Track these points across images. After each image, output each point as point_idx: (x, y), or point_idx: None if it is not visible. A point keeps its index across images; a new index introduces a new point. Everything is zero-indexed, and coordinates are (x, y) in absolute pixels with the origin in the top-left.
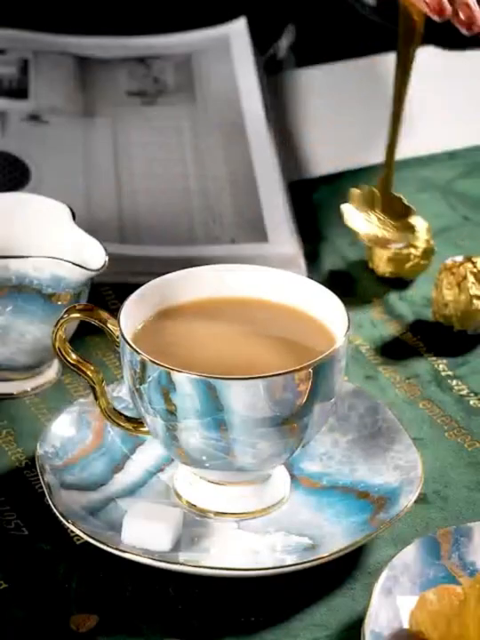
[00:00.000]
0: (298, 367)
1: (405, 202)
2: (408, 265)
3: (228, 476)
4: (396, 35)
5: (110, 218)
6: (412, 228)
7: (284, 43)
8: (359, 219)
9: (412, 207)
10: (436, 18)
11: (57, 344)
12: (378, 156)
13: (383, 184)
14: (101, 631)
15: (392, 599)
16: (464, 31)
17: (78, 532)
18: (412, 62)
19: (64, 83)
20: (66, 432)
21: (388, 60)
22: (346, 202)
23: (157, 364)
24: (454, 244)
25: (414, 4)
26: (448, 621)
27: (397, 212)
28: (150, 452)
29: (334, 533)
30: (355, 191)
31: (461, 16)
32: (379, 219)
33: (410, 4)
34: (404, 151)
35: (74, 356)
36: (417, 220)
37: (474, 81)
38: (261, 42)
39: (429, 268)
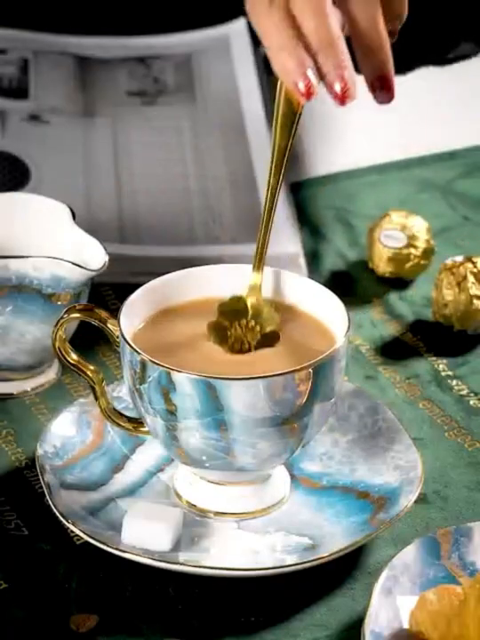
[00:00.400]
0: (298, 367)
1: (272, 311)
2: (408, 265)
3: (228, 476)
4: None
5: (110, 218)
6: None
7: None
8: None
9: (276, 317)
10: (303, 100)
11: (57, 344)
12: (378, 156)
13: (254, 291)
14: (101, 631)
15: (392, 599)
16: (337, 103)
17: (78, 532)
18: (288, 153)
19: (64, 83)
20: (66, 432)
21: None
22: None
23: (157, 364)
24: (454, 244)
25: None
26: (448, 621)
27: (265, 320)
28: (150, 452)
29: (334, 533)
30: (223, 303)
31: (336, 89)
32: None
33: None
34: (404, 151)
35: (74, 355)
36: (417, 220)
37: (474, 81)
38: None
39: (429, 268)
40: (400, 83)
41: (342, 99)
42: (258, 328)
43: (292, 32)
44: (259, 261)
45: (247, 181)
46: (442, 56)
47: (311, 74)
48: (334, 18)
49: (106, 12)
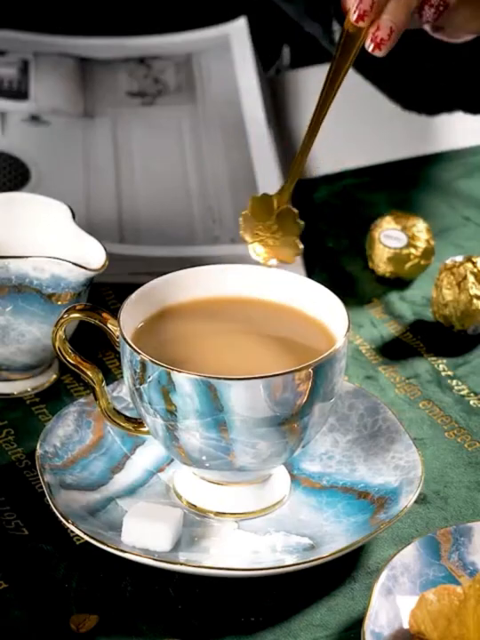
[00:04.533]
0: (298, 367)
1: (296, 219)
2: (408, 265)
3: (228, 476)
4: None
5: (110, 218)
6: (295, 248)
7: (284, 62)
8: (250, 229)
9: (300, 224)
10: (354, 19)
11: (57, 344)
12: (378, 156)
13: (283, 195)
14: (101, 631)
15: (392, 599)
16: (371, 47)
17: (78, 532)
18: (343, 76)
19: (64, 83)
20: (66, 432)
21: None
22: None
23: (157, 364)
24: (454, 244)
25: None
26: (448, 621)
27: (287, 227)
28: (150, 452)
29: (334, 533)
30: (254, 197)
31: (377, 35)
32: (269, 232)
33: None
34: (404, 151)
35: (74, 355)
36: (417, 221)
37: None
38: (261, 42)
39: (429, 268)
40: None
41: (376, 45)
42: (279, 234)
43: None
44: (298, 166)
45: (247, 181)
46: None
47: (374, 6)
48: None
49: (106, 12)
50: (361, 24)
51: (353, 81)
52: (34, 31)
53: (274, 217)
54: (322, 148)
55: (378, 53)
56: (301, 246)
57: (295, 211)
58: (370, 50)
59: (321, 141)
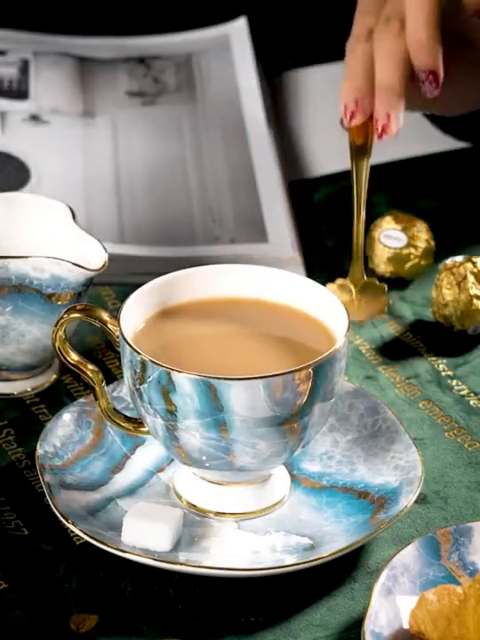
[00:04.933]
0: (298, 367)
1: (377, 284)
2: (408, 265)
3: (228, 476)
4: None
5: (110, 218)
6: (382, 302)
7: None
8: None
9: (383, 286)
10: (345, 122)
11: (57, 344)
12: (377, 156)
13: (355, 277)
14: (101, 631)
15: (392, 599)
16: (376, 136)
17: (78, 532)
18: (365, 174)
19: (64, 83)
20: (66, 432)
21: None
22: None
23: (157, 364)
24: (454, 244)
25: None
26: (448, 621)
27: (372, 294)
28: (150, 452)
29: (334, 533)
30: (331, 286)
31: (378, 125)
32: (358, 300)
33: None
34: (405, 151)
35: (74, 355)
36: (417, 221)
37: None
38: (261, 42)
39: (429, 268)
40: None
41: (380, 134)
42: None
43: (364, 67)
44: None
45: (247, 181)
46: None
47: (359, 104)
48: (406, 63)
49: (106, 12)
50: (356, 122)
51: None
52: (34, 31)
53: (356, 295)
54: (322, 148)
55: (388, 138)
56: (388, 300)
57: (374, 281)
58: (379, 141)
59: (321, 141)
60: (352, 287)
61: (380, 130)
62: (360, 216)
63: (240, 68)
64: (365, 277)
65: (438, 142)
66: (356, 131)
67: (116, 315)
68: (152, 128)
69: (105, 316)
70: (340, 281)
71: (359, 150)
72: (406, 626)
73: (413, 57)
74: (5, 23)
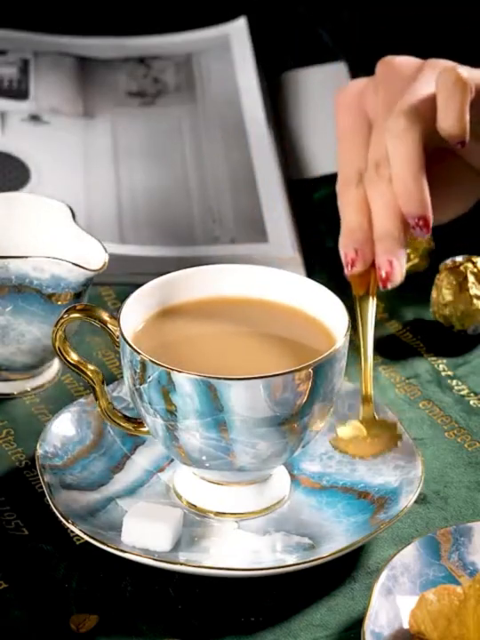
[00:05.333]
0: (298, 367)
1: (389, 421)
2: (408, 265)
3: (228, 476)
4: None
5: (110, 218)
6: (395, 437)
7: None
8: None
9: (395, 422)
10: (346, 270)
11: (57, 344)
12: None
13: (366, 418)
14: (101, 631)
15: (392, 599)
16: (380, 284)
17: (78, 532)
18: (370, 316)
19: (64, 83)
20: (66, 432)
21: None
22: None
23: (157, 364)
24: (454, 244)
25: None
26: (448, 621)
27: (385, 430)
28: (150, 452)
29: (334, 533)
30: (342, 428)
31: (382, 273)
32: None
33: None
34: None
35: (74, 355)
36: None
37: None
38: (261, 42)
39: (429, 268)
40: None
41: (384, 282)
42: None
43: (360, 217)
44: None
45: (247, 182)
46: None
47: (359, 252)
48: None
49: (106, 12)
50: (356, 271)
51: None
52: (34, 31)
53: (368, 434)
54: (322, 148)
55: (392, 286)
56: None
57: (385, 420)
58: (384, 289)
59: (321, 141)
60: (363, 429)
61: (383, 278)
62: (367, 358)
63: (240, 68)
64: (377, 416)
65: None
66: (358, 279)
67: (115, 315)
68: (152, 128)
69: (105, 315)
70: (352, 422)
71: (362, 295)
72: (406, 626)
73: (402, 206)
74: (5, 23)
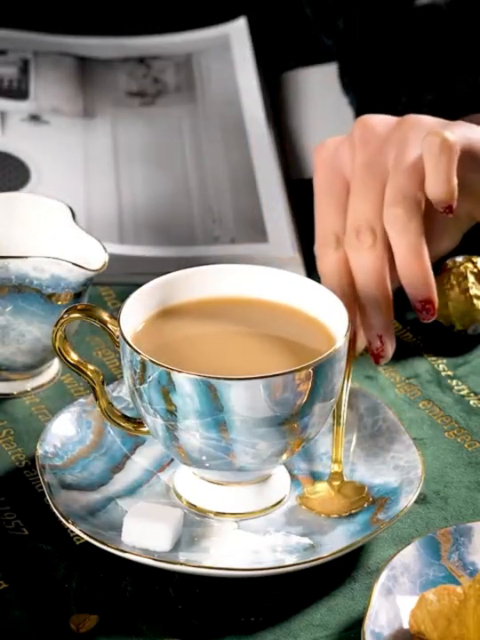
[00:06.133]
0: (298, 367)
1: (357, 484)
2: None
3: (228, 476)
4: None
5: (110, 218)
6: (363, 499)
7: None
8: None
9: (365, 487)
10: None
11: (57, 344)
12: None
13: (335, 479)
14: (101, 631)
15: (392, 599)
16: (372, 360)
17: (78, 532)
18: (347, 382)
19: (64, 83)
20: (66, 432)
21: None
22: None
23: (157, 364)
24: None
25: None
26: (448, 621)
27: (354, 492)
28: (150, 452)
29: (334, 533)
30: (309, 488)
31: (373, 347)
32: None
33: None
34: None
35: (74, 355)
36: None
37: None
38: (261, 42)
39: None
40: None
41: (377, 358)
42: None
43: (346, 278)
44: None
45: (247, 181)
46: None
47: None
48: (387, 275)
49: (106, 12)
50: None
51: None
52: (34, 30)
53: (337, 494)
54: None
55: (385, 361)
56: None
57: (354, 483)
58: (377, 364)
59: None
60: (331, 490)
61: (376, 354)
62: (340, 422)
63: (240, 68)
64: (344, 480)
65: None
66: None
67: (115, 315)
68: (152, 128)
69: (105, 316)
70: (320, 482)
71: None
72: (406, 626)
73: (407, 288)
74: (5, 23)
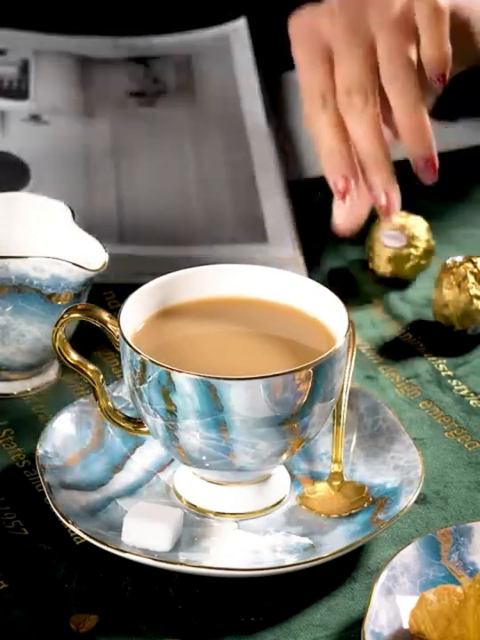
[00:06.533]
0: (298, 367)
1: (357, 484)
2: (408, 265)
3: (228, 476)
4: None
5: (110, 218)
6: (364, 499)
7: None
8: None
9: (365, 487)
10: (338, 196)
11: (57, 344)
12: None
13: (335, 479)
14: (101, 631)
15: (392, 599)
16: (382, 215)
17: (78, 532)
18: (346, 378)
19: (64, 83)
20: (66, 432)
21: None
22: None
23: (157, 364)
24: (454, 244)
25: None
26: (448, 621)
27: (354, 491)
28: (150, 452)
29: (334, 533)
30: (309, 487)
31: (381, 202)
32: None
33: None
34: (405, 151)
35: (74, 355)
36: (417, 220)
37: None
38: (261, 42)
39: (429, 268)
40: None
41: (387, 212)
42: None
43: (340, 136)
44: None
45: (247, 182)
46: None
47: (348, 181)
48: (382, 129)
49: (106, 12)
50: (347, 196)
51: None
52: (34, 30)
53: (336, 494)
54: None
55: (395, 214)
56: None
57: (354, 483)
58: (386, 218)
59: None
60: (332, 489)
61: (385, 209)
62: (341, 422)
63: (240, 68)
64: (344, 479)
65: (438, 143)
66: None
67: (115, 315)
68: (152, 128)
69: (105, 316)
70: (320, 483)
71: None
72: (406, 626)
73: (410, 145)
74: (6, 23)
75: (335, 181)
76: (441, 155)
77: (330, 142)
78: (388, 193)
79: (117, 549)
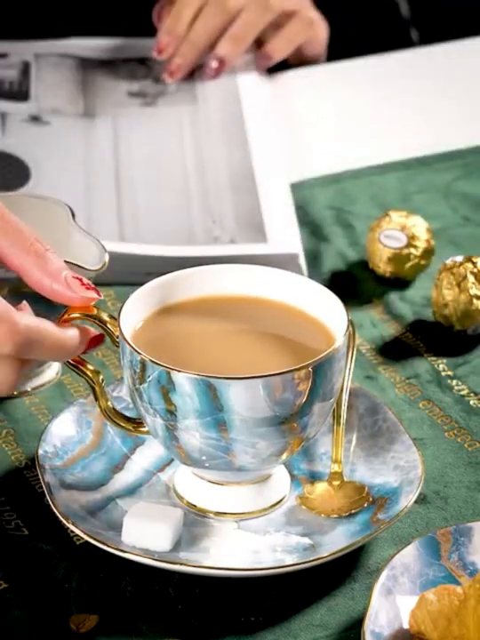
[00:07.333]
0: (297, 367)
1: (357, 484)
2: (408, 265)
3: (228, 476)
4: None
5: (110, 217)
6: (363, 498)
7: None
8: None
9: (365, 487)
10: (156, 55)
11: None
12: (377, 157)
13: (335, 479)
14: (101, 631)
15: (392, 599)
16: (167, 77)
17: (78, 532)
18: (346, 378)
19: (65, 84)
20: (66, 432)
21: (389, 60)
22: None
23: (157, 364)
24: (454, 244)
25: None
26: (448, 621)
27: (353, 491)
28: (150, 452)
29: (334, 533)
30: (309, 487)
31: (172, 67)
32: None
33: None
34: (405, 151)
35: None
36: (417, 220)
37: (473, 80)
38: (261, 41)
39: (429, 268)
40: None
41: (170, 73)
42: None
43: (188, 22)
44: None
45: (247, 182)
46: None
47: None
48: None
49: (106, 13)
50: (165, 55)
51: (353, 81)
52: (35, 37)
53: (336, 493)
54: (322, 148)
55: (175, 78)
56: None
57: (354, 483)
58: (170, 79)
59: (321, 141)
60: (331, 489)
61: (170, 71)
62: (340, 422)
63: (240, 67)
64: (344, 479)
65: (438, 143)
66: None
67: (115, 315)
68: (152, 128)
69: (105, 316)
70: (320, 483)
71: None
72: (406, 626)
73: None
74: (6, 27)
75: (162, 38)
76: (440, 155)
77: (183, 18)
78: (181, 65)
79: (117, 549)
